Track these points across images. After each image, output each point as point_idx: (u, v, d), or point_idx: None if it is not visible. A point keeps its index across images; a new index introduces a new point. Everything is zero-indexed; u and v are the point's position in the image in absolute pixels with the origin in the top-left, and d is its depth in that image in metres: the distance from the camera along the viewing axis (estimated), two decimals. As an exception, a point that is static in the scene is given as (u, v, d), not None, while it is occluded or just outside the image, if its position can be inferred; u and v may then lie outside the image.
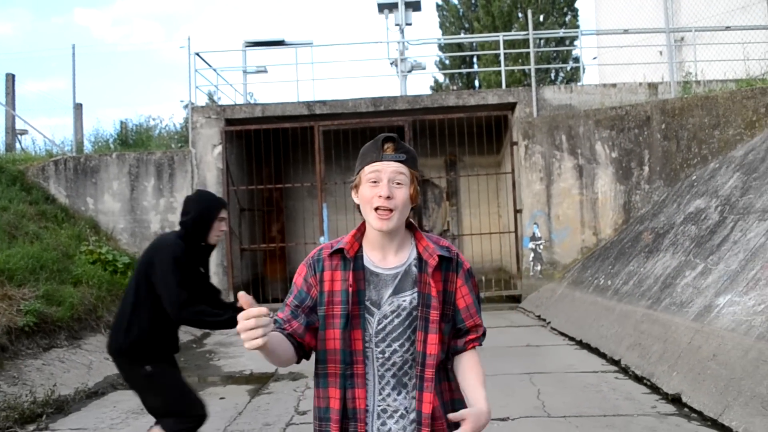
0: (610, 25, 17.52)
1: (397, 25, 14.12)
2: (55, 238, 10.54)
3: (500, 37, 13.00)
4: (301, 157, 15.11)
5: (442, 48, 23.87)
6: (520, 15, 23.07)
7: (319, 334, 2.01)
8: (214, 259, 12.13)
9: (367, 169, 1.99)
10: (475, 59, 24.43)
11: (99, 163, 12.50)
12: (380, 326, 1.99)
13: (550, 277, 11.24)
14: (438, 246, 2.07)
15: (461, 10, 25.88)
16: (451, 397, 2.06)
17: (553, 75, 24.70)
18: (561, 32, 16.49)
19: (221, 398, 6.55)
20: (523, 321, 10.47)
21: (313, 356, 2.07)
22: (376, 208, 1.95)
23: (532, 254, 11.59)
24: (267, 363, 7.18)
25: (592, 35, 18.24)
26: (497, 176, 14.62)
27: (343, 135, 13.92)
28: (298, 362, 2.00)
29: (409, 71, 14.39)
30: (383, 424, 1.99)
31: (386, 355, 1.99)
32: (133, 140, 14.05)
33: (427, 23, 57.93)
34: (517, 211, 12.11)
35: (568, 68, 23.49)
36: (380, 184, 1.96)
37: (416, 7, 14.30)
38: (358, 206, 2.04)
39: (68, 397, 6.44)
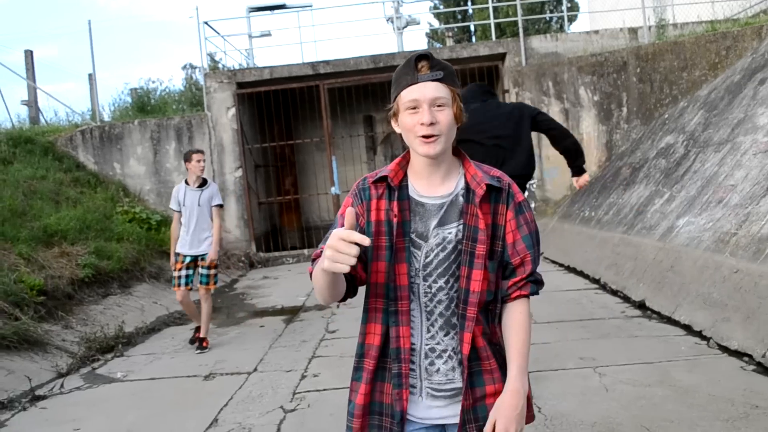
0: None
1: (391, -16, 14.95)
2: (93, 202, 11.66)
3: (488, -9, 13.85)
4: (308, 114, 16.10)
5: (437, 9, 24.53)
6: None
7: (366, 267, 1.88)
8: (235, 213, 13.30)
9: (404, 94, 1.82)
10: (470, 11, 25.10)
11: (122, 130, 13.53)
12: (427, 260, 1.85)
13: (543, 212, 12.34)
14: (488, 175, 1.90)
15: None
16: (499, 341, 1.92)
17: (549, 21, 25.39)
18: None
19: (261, 326, 7.75)
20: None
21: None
22: (422, 136, 1.79)
23: (526, 192, 12.66)
24: (295, 298, 8.49)
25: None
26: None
27: (347, 91, 14.90)
28: (343, 300, 1.85)
29: (405, 27, 15.24)
30: (431, 363, 1.87)
31: (433, 290, 1.85)
32: (150, 107, 15.01)
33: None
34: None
35: (555, 18, 24.18)
36: (420, 109, 1.79)
37: (409, -34, 15.11)
38: (400, 135, 1.90)
39: (132, 333, 7.64)
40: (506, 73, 12.94)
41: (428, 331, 1.87)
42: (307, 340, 6.75)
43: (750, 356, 4.89)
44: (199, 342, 6.82)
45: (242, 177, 13.31)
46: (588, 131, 11.82)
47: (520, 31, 12.97)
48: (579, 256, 9.44)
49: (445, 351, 1.86)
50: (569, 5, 24.47)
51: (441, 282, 1.85)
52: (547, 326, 6.43)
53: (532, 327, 1.91)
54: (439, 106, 1.79)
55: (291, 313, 8.42)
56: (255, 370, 5.83)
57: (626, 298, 7.33)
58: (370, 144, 17.30)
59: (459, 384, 1.85)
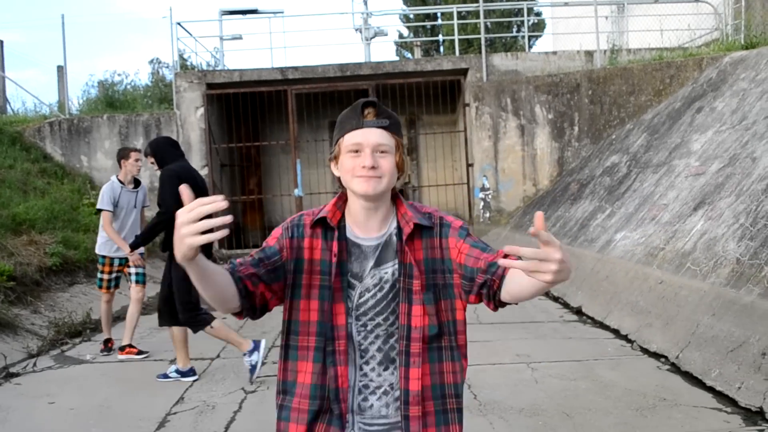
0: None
1: (361, -4, 15.49)
2: (60, 193, 11.89)
3: (454, 9, 14.47)
4: (275, 117, 16.47)
5: (407, 17, 25.11)
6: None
7: (291, 303, 1.87)
8: (200, 210, 13.59)
9: (347, 137, 1.82)
10: (438, 22, 25.79)
11: (91, 124, 13.75)
12: (362, 299, 1.86)
13: (497, 222, 12.94)
14: (418, 213, 1.91)
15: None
16: (454, 381, 1.90)
17: (515, 37, 26.19)
18: (508, 4, 17.93)
19: (223, 318, 8.13)
20: (472, 260, 12.20)
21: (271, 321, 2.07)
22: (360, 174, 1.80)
23: (482, 203, 13.24)
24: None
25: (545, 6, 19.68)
26: (452, 134, 16.16)
27: (314, 97, 15.34)
28: (240, 314, 1.79)
29: (373, 37, 15.76)
30: (365, 399, 1.88)
31: (368, 328, 1.86)
32: (119, 102, 15.24)
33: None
34: (469, 165, 13.72)
35: (521, 36, 24.99)
36: (362, 153, 1.79)
37: (379, -21, 15.66)
38: (338, 179, 1.90)
39: (98, 320, 7.95)
40: (468, 87, 13.52)
41: (361, 369, 1.87)
42: (267, 332, 7.17)
43: (666, 357, 5.49)
44: (105, 346, 6.60)
45: (208, 175, 13.62)
46: (542, 147, 12.46)
47: (483, 48, 13.58)
48: (527, 265, 10.03)
49: (379, 387, 1.87)
50: (535, 22, 25.32)
51: (379, 319, 1.86)
52: (491, 327, 6.97)
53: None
54: (381, 152, 1.80)
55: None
56: (218, 356, 6.25)
57: (566, 304, 7.91)
58: (335, 149, 17.74)
59: (392, 419, 1.87)
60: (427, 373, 1.85)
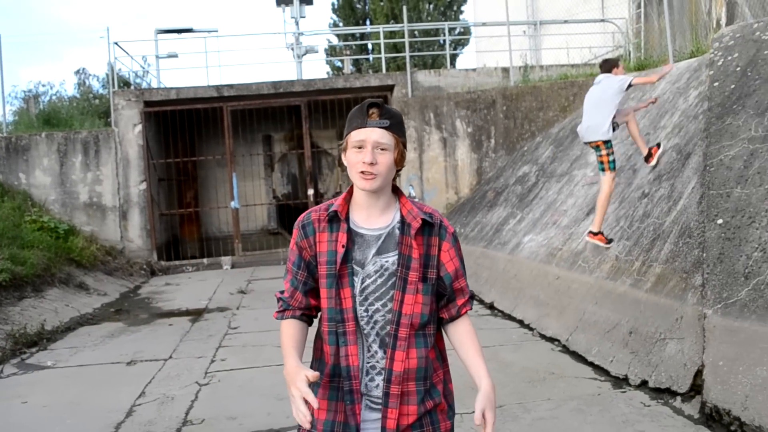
0: (486, 12, 20.30)
1: (293, 17, 16.28)
2: (1, 211, 12.25)
3: (380, 29, 15.43)
4: (212, 132, 17.09)
5: (338, 36, 26.02)
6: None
7: (321, 293, 2.12)
8: (138, 223, 14.13)
9: (353, 134, 2.04)
10: (370, 45, 26.78)
11: (29, 142, 14.08)
12: (363, 285, 2.07)
13: (423, 229, 13.90)
14: (422, 211, 2.12)
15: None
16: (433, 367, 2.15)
17: (439, 55, 27.46)
18: (430, 25, 19.04)
19: (170, 325, 8.80)
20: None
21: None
22: (361, 171, 2.02)
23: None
24: (198, 301, 9.68)
25: (464, 24, 20.84)
26: (381, 145, 17.09)
27: (249, 113, 16.06)
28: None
29: (304, 55, 16.58)
30: (371, 380, 2.10)
31: (369, 313, 2.07)
32: (56, 120, 15.58)
33: (325, 9, 59.99)
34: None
35: (447, 53, 26.25)
36: (365, 149, 2.02)
37: (309, 1, 16.51)
38: (345, 168, 2.12)
39: (52, 331, 8.50)
40: (394, 102, 14.46)
41: (368, 350, 2.09)
42: (213, 334, 7.90)
43: (559, 340, 6.51)
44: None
45: (146, 190, 14.16)
46: (462, 158, 13.50)
47: (408, 66, 14.55)
48: (449, 267, 11.02)
49: (384, 368, 2.08)
50: (459, 41, 26.63)
51: (378, 305, 2.08)
52: (415, 322, 7.87)
53: (477, 337, 2.22)
54: (381, 149, 2.02)
55: (196, 314, 9.48)
56: (170, 357, 6.94)
57: (481, 301, 8.89)
58: (268, 162, 18.49)
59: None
60: (414, 357, 2.08)
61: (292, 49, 16.42)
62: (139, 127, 14.19)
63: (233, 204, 14.83)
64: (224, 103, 14.59)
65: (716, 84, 6.18)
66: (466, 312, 2.22)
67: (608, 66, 7.10)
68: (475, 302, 9.07)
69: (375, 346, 2.09)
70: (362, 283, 2.08)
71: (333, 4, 28.57)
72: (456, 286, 2.17)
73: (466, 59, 35.35)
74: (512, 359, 6.09)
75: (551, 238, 8.35)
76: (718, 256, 4.86)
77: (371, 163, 2.01)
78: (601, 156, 6.85)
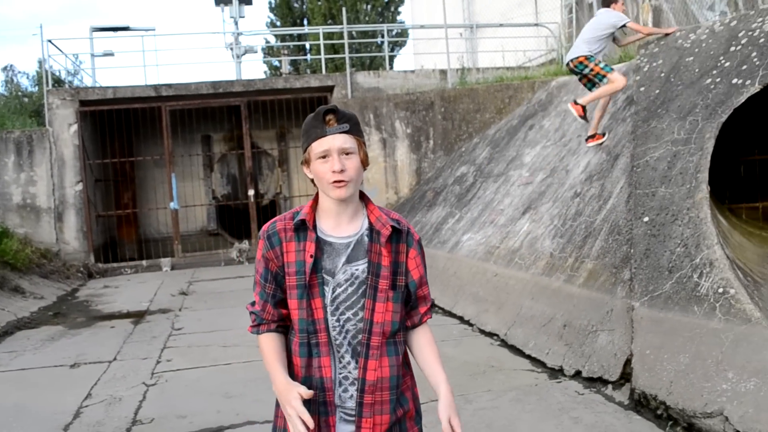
0: (423, 14, 20.63)
1: (231, 17, 16.24)
2: (-70, 212, 11.88)
3: (320, 30, 15.55)
4: (150, 132, 16.86)
5: (275, 36, 25.98)
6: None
7: (290, 303, 2.09)
8: (74, 225, 13.86)
9: (314, 145, 2.01)
10: (308, 45, 26.82)
11: (-42, 141, 13.66)
12: (334, 294, 2.04)
13: (364, 228, 14.09)
14: (390, 218, 2.11)
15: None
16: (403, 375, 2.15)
17: (377, 56, 27.71)
18: (370, 27, 19.25)
19: (112, 327, 8.73)
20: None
21: None
22: (334, 181, 1.99)
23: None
24: (139, 303, 9.64)
25: (401, 26, 21.13)
26: (322, 146, 17.22)
27: (188, 113, 15.93)
28: None
29: (243, 55, 16.55)
30: (344, 390, 2.07)
31: (341, 323, 2.04)
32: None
33: (264, 9, 59.60)
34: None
35: (386, 54, 26.52)
36: (330, 158, 1.99)
37: (248, 1, 16.50)
38: (312, 180, 2.08)
39: (-11, 334, 8.34)
40: (334, 103, 14.59)
41: (340, 361, 2.06)
42: (157, 336, 7.90)
43: (497, 335, 6.78)
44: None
45: (82, 191, 13.90)
46: (402, 159, 13.75)
47: (348, 67, 14.72)
48: (391, 266, 11.24)
49: (356, 379, 2.05)
50: (397, 42, 26.92)
51: (349, 314, 2.05)
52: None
53: (435, 345, 2.27)
54: (347, 154, 2.00)
55: (137, 316, 9.42)
56: (115, 359, 6.93)
57: (423, 299, 9.12)
58: (208, 162, 18.36)
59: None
60: (386, 365, 2.06)
61: (231, 48, 16.39)
62: (75, 127, 13.92)
63: (172, 205, 14.71)
64: (163, 102, 14.45)
65: (642, 89, 6.56)
66: (427, 320, 2.25)
67: (608, 1, 7.47)
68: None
69: (347, 356, 2.07)
70: (333, 292, 2.05)
71: (270, 3, 28.54)
72: (420, 293, 2.20)
73: (405, 61, 35.75)
74: (453, 354, 6.33)
75: (489, 236, 8.65)
76: (644, 252, 5.20)
77: (341, 170, 1.98)
78: (590, 71, 7.34)
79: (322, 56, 15.19)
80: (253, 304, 2.15)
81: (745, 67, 5.62)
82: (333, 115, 2.01)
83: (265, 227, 2.14)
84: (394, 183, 13.87)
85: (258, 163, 18.37)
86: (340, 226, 2.09)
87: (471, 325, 7.40)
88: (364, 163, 2.06)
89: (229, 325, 8.13)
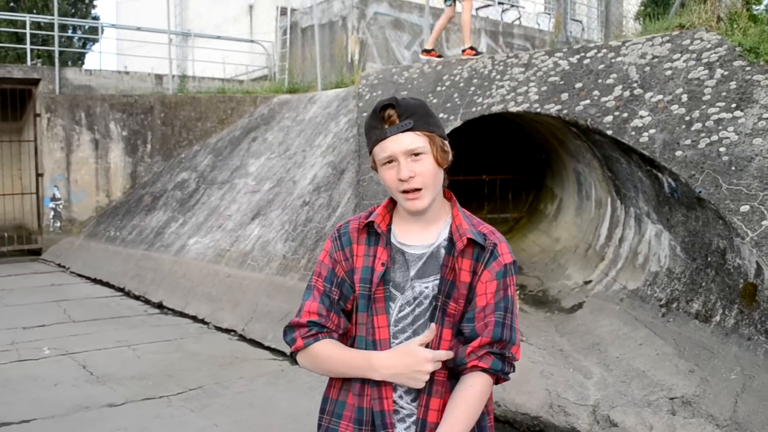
0: (129, 15, 20.02)
1: None
2: None
3: (27, 18, 14.48)
4: None
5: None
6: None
7: (352, 317, 1.79)
8: None
9: (377, 150, 1.72)
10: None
11: None
12: (401, 314, 1.74)
13: (69, 232, 13.40)
14: (474, 229, 1.76)
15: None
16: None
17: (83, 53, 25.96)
18: (86, 22, 18.28)
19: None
20: (45, 269, 12.48)
21: None
22: (403, 191, 1.70)
23: (52, 213, 13.54)
24: None
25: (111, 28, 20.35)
26: (20, 143, 15.90)
27: None
28: None
29: None
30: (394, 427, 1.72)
31: None
32: None
33: None
34: (39, 175, 13.86)
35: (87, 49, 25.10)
36: (396, 162, 1.69)
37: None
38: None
39: None
40: (39, 97, 13.69)
41: (395, 390, 1.72)
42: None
43: (235, 331, 7.27)
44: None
45: None
46: (115, 161, 13.41)
47: (56, 61, 13.91)
48: (105, 270, 10.97)
49: (410, 416, 1.72)
50: (88, 38, 25.59)
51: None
52: (86, 323, 7.89)
53: (473, 404, 1.67)
54: (415, 155, 1.68)
55: None
56: None
57: (147, 301, 9.18)
58: None
59: None
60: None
61: None
62: None
63: None
64: None
65: (364, 114, 7.61)
66: (474, 367, 1.74)
67: None
68: (141, 302, 9.36)
69: (401, 389, 1.72)
70: (400, 311, 1.75)
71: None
72: (478, 325, 1.72)
73: (108, 60, 33.93)
74: (197, 349, 6.68)
75: (218, 240, 9.08)
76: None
77: (410, 177, 1.68)
78: None
79: (28, 47, 14.14)
80: (303, 314, 1.81)
81: (449, 104, 6.92)
82: (393, 110, 1.69)
83: (337, 227, 1.88)
84: (106, 185, 13.45)
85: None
86: (415, 234, 1.80)
87: (206, 323, 7.76)
88: (441, 161, 1.73)
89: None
